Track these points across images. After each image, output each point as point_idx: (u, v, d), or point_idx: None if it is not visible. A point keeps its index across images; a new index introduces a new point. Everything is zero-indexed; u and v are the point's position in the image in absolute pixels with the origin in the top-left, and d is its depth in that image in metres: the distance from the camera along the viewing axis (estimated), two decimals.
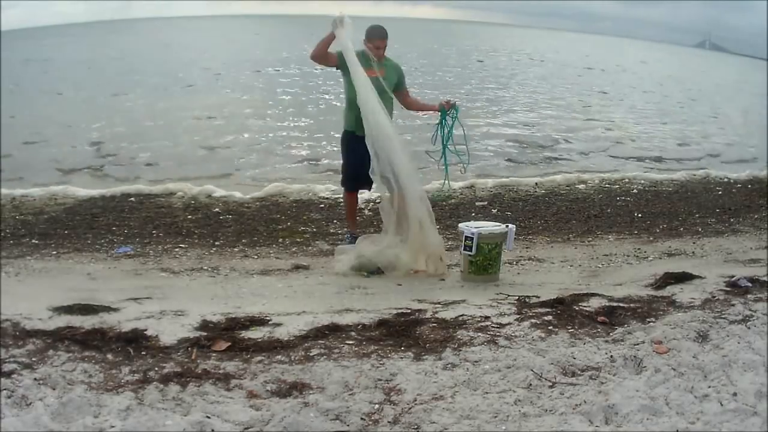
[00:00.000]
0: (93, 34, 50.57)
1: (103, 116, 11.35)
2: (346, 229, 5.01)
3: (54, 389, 2.29)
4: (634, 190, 7.17)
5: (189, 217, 5.61)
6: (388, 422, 2.22)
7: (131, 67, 20.95)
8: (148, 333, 2.93)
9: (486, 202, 6.41)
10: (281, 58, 25.84)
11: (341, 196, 6.14)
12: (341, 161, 4.76)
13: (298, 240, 5.04)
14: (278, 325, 3.12)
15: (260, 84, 17.62)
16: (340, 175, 4.81)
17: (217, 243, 4.90)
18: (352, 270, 4.22)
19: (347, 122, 4.46)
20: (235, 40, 39.80)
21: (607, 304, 3.44)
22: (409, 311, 3.37)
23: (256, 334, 3.00)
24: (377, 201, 6.00)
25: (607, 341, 2.90)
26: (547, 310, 3.33)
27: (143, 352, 2.72)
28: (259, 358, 2.72)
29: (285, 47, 32.59)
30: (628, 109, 15.92)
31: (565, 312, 3.28)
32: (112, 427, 2.08)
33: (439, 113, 4.46)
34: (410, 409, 2.31)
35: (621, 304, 3.43)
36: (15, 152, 8.44)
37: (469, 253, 4.00)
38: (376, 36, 4.35)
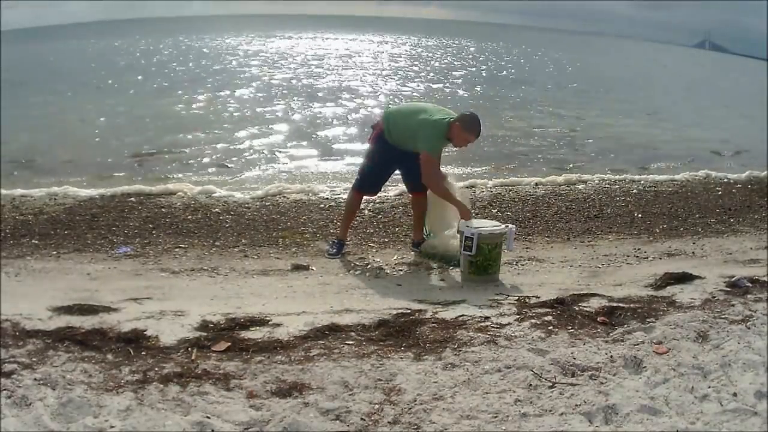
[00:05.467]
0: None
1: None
2: (335, 239, 4.80)
3: (54, 389, 2.29)
4: (634, 190, 7.17)
5: (189, 217, 5.61)
6: (388, 422, 2.22)
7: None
8: (148, 333, 2.93)
9: (486, 202, 6.41)
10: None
11: (342, 196, 6.16)
12: (363, 162, 4.72)
13: (298, 240, 5.04)
14: (278, 325, 3.12)
15: (261, 84, 17.63)
16: (357, 177, 4.74)
17: (217, 243, 4.90)
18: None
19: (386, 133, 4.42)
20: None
21: (607, 304, 3.45)
22: (409, 311, 3.37)
23: (256, 334, 3.00)
24: (378, 202, 6.03)
25: (607, 341, 2.90)
26: (547, 310, 3.33)
27: (143, 352, 2.73)
28: (259, 358, 2.73)
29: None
30: None
31: (565, 312, 3.29)
32: (112, 427, 2.08)
33: None
34: (410, 409, 2.31)
35: (621, 304, 3.43)
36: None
37: (469, 253, 4.00)
38: (476, 131, 4.18)
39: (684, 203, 6.70)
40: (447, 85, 18.83)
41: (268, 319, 3.21)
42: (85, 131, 10.06)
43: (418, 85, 18.30)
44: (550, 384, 2.47)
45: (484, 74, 23.80)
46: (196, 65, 23.03)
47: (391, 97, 15.48)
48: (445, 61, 29.94)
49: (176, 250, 4.70)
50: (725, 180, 8.02)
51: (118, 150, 8.76)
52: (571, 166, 8.74)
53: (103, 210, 5.69)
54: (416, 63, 27.15)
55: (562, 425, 2.18)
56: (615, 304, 3.43)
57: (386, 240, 5.09)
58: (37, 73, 19.26)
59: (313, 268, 4.35)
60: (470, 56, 33.74)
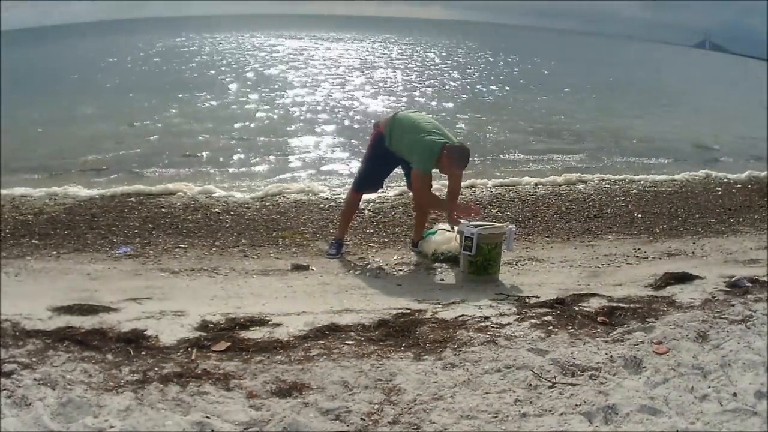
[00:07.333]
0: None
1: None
2: (333, 239, 4.80)
3: (54, 389, 2.29)
4: (634, 190, 7.17)
5: (189, 217, 5.61)
6: (388, 422, 2.22)
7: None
8: (148, 333, 2.93)
9: (486, 202, 6.41)
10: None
11: (342, 196, 6.16)
12: (362, 163, 4.76)
13: (298, 240, 5.04)
14: (278, 325, 3.12)
15: (261, 85, 17.62)
16: (356, 177, 4.78)
17: (217, 243, 4.90)
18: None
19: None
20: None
21: (607, 304, 3.45)
22: (409, 311, 3.37)
23: (256, 334, 3.00)
24: (379, 202, 6.03)
25: (607, 341, 2.90)
26: (547, 310, 3.33)
27: (143, 352, 2.73)
28: (259, 358, 2.73)
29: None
30: None
31: (565, 312, 3.29)
32: (112, 427, 2.08)
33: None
34: (410, 409, 2.31)
35: (621, 304, 3.43)
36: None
37: (469, 253, 4.00)
38: (463, 164, 4.37)
39: (684, 203, 6.70)
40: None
41: (268, 319, 3.21)
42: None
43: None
44: (550, 384, 2.47)
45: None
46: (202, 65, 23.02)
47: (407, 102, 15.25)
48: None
49: (176, 250, 4.70)
50: (725, 180, 8.02)
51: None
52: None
53: (103, 210, 5.69)
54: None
55: (562, 425, 2.18)
56: (615, 304, 3.43)
57: (386, 240, 5.09)
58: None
59: (313, 268, 4.35)
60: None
